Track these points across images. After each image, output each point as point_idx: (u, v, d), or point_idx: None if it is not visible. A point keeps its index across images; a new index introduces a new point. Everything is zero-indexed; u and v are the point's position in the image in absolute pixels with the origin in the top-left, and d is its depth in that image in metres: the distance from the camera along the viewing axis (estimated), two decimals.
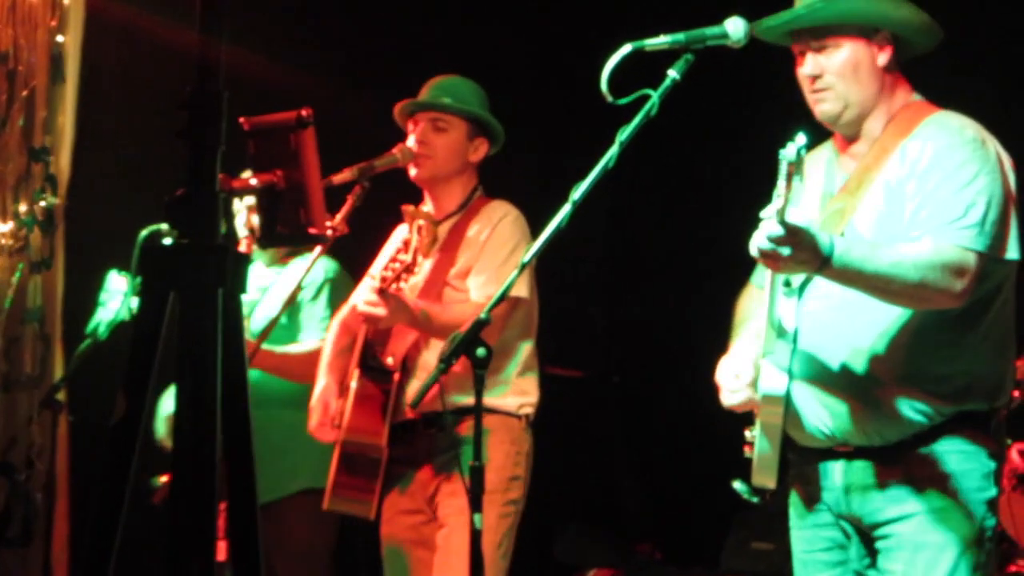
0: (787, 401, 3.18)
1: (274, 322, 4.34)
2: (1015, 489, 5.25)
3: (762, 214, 2.92)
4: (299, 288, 4.44)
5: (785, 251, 2.89)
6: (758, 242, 2.91)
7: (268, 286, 4.91)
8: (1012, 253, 3.16)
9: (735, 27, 3.23)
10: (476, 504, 3.40)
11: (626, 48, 3.15)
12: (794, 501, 3.38)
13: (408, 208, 4.32)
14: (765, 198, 2.92)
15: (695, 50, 3.20)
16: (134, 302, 4.52)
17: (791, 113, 3.30)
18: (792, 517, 3.40)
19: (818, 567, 3.33)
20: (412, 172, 4.40)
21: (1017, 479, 5.26)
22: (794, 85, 3.40)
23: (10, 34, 5.53)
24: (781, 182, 2.82)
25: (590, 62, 3.25)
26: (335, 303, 4.84)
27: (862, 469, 3.21)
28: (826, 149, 3.41)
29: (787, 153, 2.80)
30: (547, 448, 4.51)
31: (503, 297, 3.33)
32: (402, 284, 4.07)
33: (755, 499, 3.32)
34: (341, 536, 5.01)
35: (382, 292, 4.02)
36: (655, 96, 3.15)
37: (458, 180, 4.45)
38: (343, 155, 3.98)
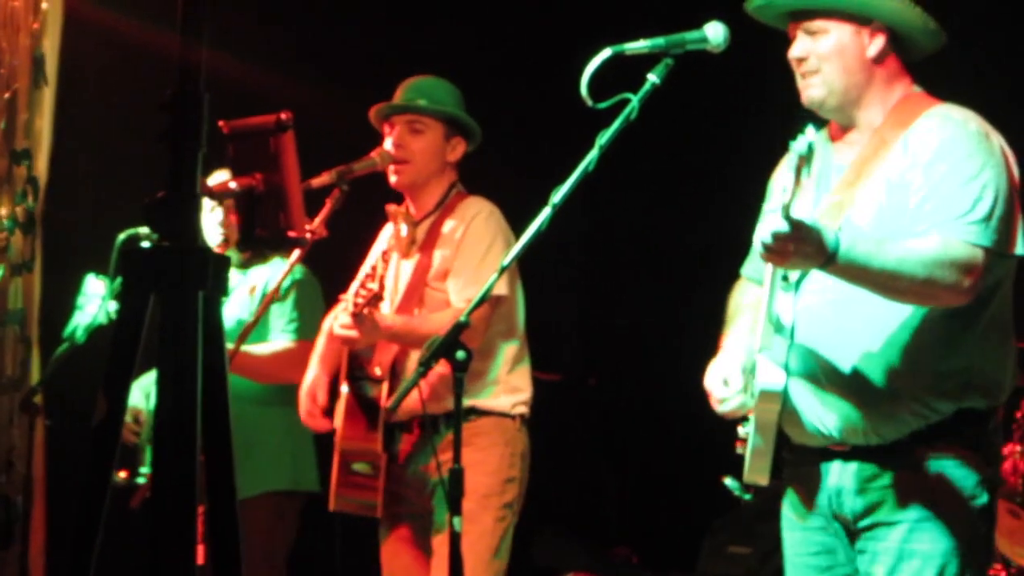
0: (784, 397, 3.13)
1: (251, 326, 4.33)
2: None
3: (768, 208, 2.89)
4: (277, 291, 4.42)
5: (790, 247, 2.86)
6: (763, 237, 2.87)
7: (232, 288, 4.90)
8: (1020, 248, 3.11)
9: (715, 32, 3.23)
10: (455, 507, 3.39)
11: (606, 52, 3.15)
12: (789, 503, 3.33)
13: (391, 207, 4.33)
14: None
15: (675, 55, 3.22)
16: (112, 306, 4.54)
17: (774, 115, 3.30)
18: (785, 519, 3.35)
19: (808, 571, 3.29)
20: (392, 179, 4.38)
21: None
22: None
23: None
24: (789, 175, 2.77)
25: (572, 56, 3.25)
26: (302, 304, 4.88)
27: (857, 470, 3.16)
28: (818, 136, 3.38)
29: (798, 146, 2.76)
30: None
31: (483, 300, 3.33)
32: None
33: (747, 496, 3.29)
34: (321, 538, 5.00)
35: (356, 316, 4.02)
36: (635, 100, 3.15)
37: (437, 181, 4.43)
38: (322, 158, 3.98)
